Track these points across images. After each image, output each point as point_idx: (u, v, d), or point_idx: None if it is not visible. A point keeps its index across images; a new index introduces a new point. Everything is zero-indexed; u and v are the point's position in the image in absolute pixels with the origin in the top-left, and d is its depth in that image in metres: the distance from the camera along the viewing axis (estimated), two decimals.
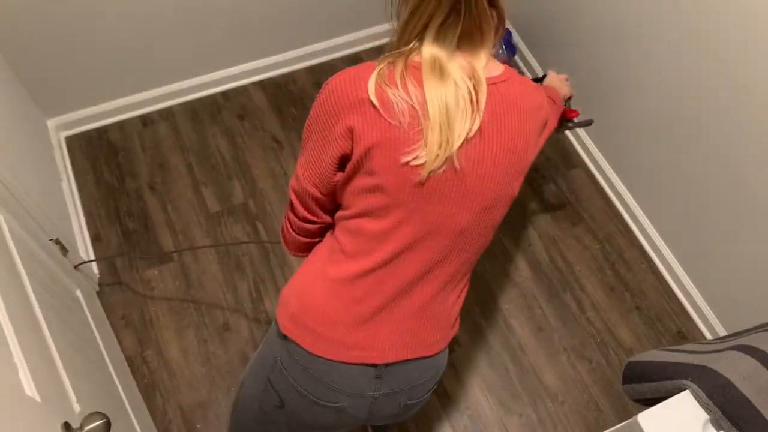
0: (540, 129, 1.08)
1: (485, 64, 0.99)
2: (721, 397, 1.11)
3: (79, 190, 2.21)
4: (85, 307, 1.72)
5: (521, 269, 2.16)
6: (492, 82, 0.99)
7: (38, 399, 0.96)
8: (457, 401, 1.92)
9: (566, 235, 2.23)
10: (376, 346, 1.03)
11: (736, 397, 1.10)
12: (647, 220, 2.19)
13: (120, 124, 2.36)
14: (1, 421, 0.74)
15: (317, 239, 1.15)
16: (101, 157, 2.29)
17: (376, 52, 2.59)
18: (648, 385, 1.27)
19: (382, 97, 0.93)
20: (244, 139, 2.36)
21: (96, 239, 2.11)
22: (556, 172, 2.36)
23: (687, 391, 1.15)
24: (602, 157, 2.31)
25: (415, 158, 0.93)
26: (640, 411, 1.16)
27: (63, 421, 0.98)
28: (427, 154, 0.93)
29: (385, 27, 2.57)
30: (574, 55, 2.28)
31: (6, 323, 1.02)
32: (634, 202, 2.22)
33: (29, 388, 0.96)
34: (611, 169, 2.28)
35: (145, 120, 2.37)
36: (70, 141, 2.32)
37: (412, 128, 0.93)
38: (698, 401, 1.13)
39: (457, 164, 0.95)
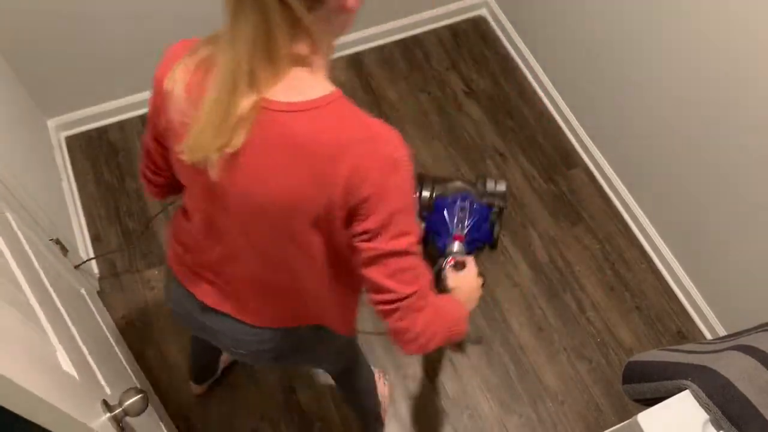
0: (344, 182, 0.85)
1: (275, 76, 0.84)
2: (721, 397, 1.11)
3: (79, 190, 2.21)
4: (91, 304, 1.73)
5: (521, 269, 2.16)
6: (277, 109, 0.84)
7: (77, 377, 0.98)
8: (457, 401, 1.92)
9: (566, 235, 2.24)
10: (200, 286, 1.14)
11: (736, 396, 1.10)
12: (647, 220, 2.19)
13: (120, 124, 2.36)
14: (48, 391, 0.76)
15: (169, 188, 1.19)
16: (101, 157, 2.29)
17: (376, 52, 2.60)
18: (648, 385, 1.27)
19: (172, 86, 0.92)
20: None
21: (96, 239, 2.11)
22: (556, 172, 2.36)
23: (687, 391, 1.15)
24: (602, 157, 2.31)
25: (180, 152, 0.91)
26: (640, 411, 1.16)
27: (101, 399, 1.00)
28: (186, 154, 0.89)
29: (385, 27, 2.57)
30: (574, 55, 2.28)
31: (37, 308, 1.05)
32: (634, 202, 2.22)
33: (68, 367, 0.98)
34: (611, 169, 2.28)
35: (146, 120, 2.37)
36: (70, 141, 2.32)
37: (182, 126, 0.90)
38: (698, 401, 1.14)
39: (214, 176, 0.89)
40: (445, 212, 1.83)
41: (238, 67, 0.82)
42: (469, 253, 1.75)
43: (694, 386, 1.14)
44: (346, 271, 1.01)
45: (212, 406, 1.87)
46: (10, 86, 1.94)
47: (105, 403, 0.99)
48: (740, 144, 1.70)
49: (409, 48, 2.63)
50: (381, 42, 2.61)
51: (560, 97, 2.44)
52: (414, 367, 1.97)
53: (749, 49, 1.57)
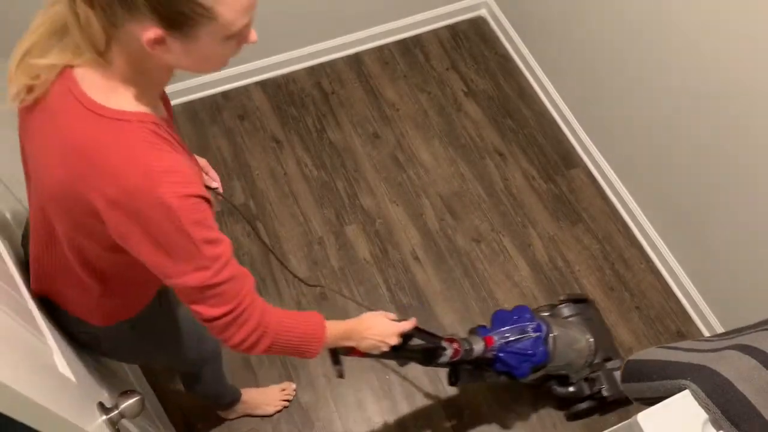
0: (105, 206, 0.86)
1: (63, 58, 0.86)
2: (720, 397, 1.11)
3: None
4: None
5: (521, 269, 2.16)
6: (77, 94, 0.86)
7: (74, 379, 0.98)
8: (456, 401, 1.92)
9: (566, 235, 2.24)
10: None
11: (736, 396, 1.10)
12: (647, 220, 2.19)
13: None
14: (44, 394, 0.76)
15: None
16: None
17: (376, 52, 2.60)
18: (647, 384, 1.27)
19: None
20: (244, 139, 2.37)
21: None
22: (555, 172, 2.37)
23: (686, 391, 1.16)
24: (602, 157, 2.31)
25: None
26: (640, 411, 1.16)
27: (98, 401, 1.00)
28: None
29: (385, 27, 2.57)
30: (574, 55, 2.28)
31: (34, 310, 1.05)
32: (633, 202, 2.23)
33: (64, 369, 0.98)
34: (611, 169, 2.28)
35: None
36: None
37: None
38: (698, 401, 1.14)
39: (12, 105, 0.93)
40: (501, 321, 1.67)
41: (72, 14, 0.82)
42: (493, 361, 1.60)
43: (694, 386, 1.14)
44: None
45: (213, 406, 1.88)
46: None
47: (101, 405, 0.99)
48: (741, 144, 1.70)
49: (409, 48, 2.63)
50: (381, 42, 2.62)
51: (560, 97, 2.44)
52: (414, 367, 1.97)
53: (750, 49, 1.58)
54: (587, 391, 1.80)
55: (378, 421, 1.89)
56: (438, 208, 2.26)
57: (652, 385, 1.26)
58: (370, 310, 1.30)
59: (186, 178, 0.87)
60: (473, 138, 2.42)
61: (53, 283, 1.08)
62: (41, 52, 0.87)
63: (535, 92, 2.55)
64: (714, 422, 1.13)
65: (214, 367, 1.58)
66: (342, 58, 2.58)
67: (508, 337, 1.59)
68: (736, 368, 1.14)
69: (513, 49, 2.63)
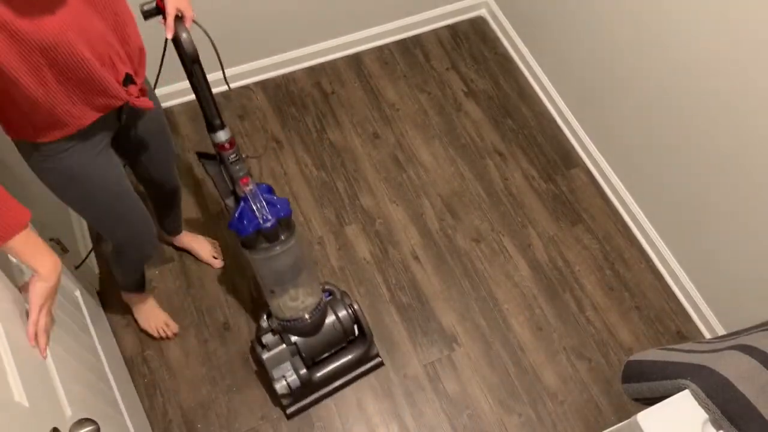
0: None
1: None
2: (720, 397, 1.11)
3: None
4: (84, 308, 1.71)
5: (521, 269, 2.16)
6: None
7: (26, 404, 0.96)
8: (457, 401, 1.92)
9: (566, 235, 2.24)
10: None
11: (736, 396, 1.10)
12: (647, 220, 2.19)
13: None
14: None
15: None
16: None
17: (376, 52, 2.60)
18: (647, 385, 1.28)
19: None
20: (244, 139, 2.37)
21: (97, 239, 2.11)
22: (555, 172, 2.37)
23: (686, 391, 1.16)
24: (602, 157, 2.31)
25: None
26: (640, 410, 1.16)
27: (52, 427, 0.98)
28: None
29: (385, 27, 2.58)
30: (573, 55, 2.28)
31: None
32: (633, 202, 2.23)
33: (18, 393, 0.96)
34: (611, 169, 2.29)
35: None
36: None
37: None
38: (698, 401, 1.14)
39: None
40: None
41: None
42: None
43: (694, 386, 1.14)
44: None
45: (214, 407, 1.88)
46: None
47: (55, 431, 0.98)
48: (740, 144, 1.70)
49: (409, 48, 2.63)
50: (381, 42, 2.62)
51: (560, 97, 2.44)
52: (414, 368, 1.97)
53: (749, 49, 1.58)
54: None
55: (378, 421, 1.89)
56: (438, 208, 2.26)
57: (651, 385, 1.26)
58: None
59: None
60: (473, 138, 2.42)
61: None
62: None
63: (535, 92, 2.55)
64: (714, 422, 1.13)
65: (128, 255, 1.67)
66: (342, 58, 2.58)
67: (259, 198, 1.59)
68: (736, 368, 1.14)
69: (513, 49, 2.63)
